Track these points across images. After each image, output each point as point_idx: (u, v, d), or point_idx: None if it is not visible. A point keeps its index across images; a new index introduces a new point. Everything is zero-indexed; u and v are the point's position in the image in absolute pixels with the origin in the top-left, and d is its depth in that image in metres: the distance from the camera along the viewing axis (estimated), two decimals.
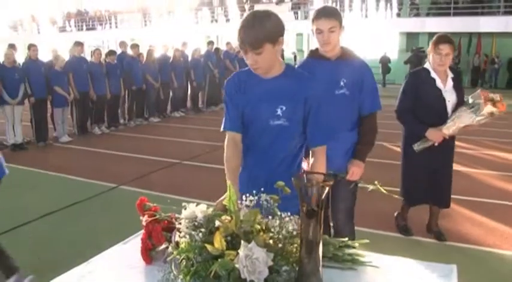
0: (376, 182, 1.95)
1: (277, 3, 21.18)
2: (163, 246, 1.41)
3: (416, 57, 14.98)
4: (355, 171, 2.53)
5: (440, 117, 3.24)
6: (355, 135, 2.60)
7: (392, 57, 18.88)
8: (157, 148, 7.39)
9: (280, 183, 1.48)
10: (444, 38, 3.21)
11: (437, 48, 3.18)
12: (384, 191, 1.91)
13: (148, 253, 1.55)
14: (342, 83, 2.48)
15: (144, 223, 1.52)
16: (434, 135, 3.22)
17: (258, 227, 1.38)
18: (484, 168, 5.95)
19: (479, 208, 4.38)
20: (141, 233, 1.74)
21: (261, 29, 1.73)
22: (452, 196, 4.25)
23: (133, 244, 1.66)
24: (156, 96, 10.11)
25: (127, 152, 7.01)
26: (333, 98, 2.40)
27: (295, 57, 20.04)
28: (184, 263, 1.30)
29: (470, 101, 3.19)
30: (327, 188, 1.23)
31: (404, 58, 16.19)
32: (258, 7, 21.43)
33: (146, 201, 1.67)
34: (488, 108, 3.08)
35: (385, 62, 18.49)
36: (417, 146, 3.29)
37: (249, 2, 22.03)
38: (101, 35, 24.67)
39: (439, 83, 3.26)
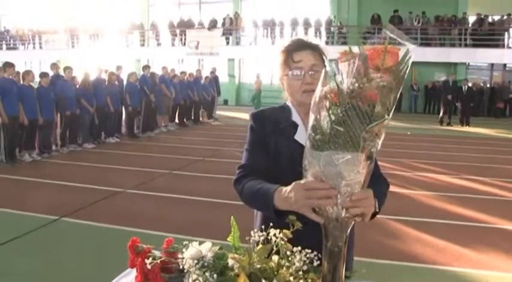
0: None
1: (209, 29, 21.40)
2: None
3: None
4: None
5: None
6: None
7: None
8: (95, 176, 7.00)
9: (292, 217, 1.45)
10: (299, 43, 1.57)
11: (292, 60, 1.54)
12: None
13: None
14: None
15: (149, 266, 1.42)
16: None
17: (272, 264, 1.37)
18: (420, 189, 6.32)
19: (425, 228, 4.61)
20: (128, 274, 1.64)
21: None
22: (397, 217, 4.44)
23: None
24: (91, 121, 9.68)
25: (63, 181, 6.56)
26: None
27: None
28: None
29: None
30: (352, 223, 1.25)
31: None
32: (189, 32, 21.51)
33: (138, 243, 1.57)
34: None
35: None
36: None
37: (180, 26, 22.06)
38: (23, 55, 23.35)
39: (301, 134, 1.52)
